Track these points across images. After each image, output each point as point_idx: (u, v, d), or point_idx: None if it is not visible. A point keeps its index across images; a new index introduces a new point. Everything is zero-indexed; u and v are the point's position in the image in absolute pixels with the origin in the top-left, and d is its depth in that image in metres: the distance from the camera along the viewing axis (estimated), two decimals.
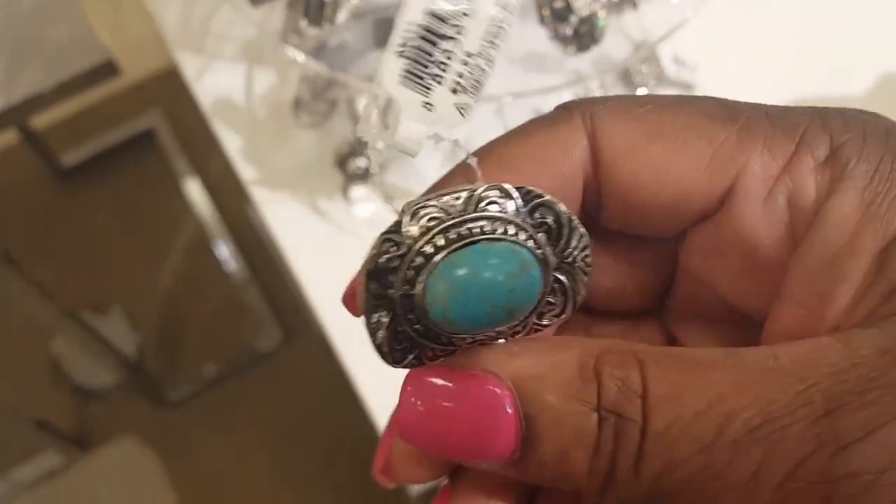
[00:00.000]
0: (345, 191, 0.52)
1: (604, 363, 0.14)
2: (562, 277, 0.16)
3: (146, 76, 1.37)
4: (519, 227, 0.16)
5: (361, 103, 0.52)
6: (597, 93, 0.49)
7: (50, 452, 1.13)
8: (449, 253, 0.15)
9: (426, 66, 0.15)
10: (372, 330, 0.17)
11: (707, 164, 0.15)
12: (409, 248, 0.16)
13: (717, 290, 0.17)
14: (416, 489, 0.57)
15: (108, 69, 0.69)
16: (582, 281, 0.16)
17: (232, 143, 0.56)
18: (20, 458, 1.13)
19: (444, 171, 0.54)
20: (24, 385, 1.18)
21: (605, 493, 0.14)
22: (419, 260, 0.16)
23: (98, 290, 1.25)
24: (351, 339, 0.50)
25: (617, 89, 0.51)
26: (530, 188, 0.16)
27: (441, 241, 0.16)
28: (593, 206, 0.17)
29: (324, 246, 0.53)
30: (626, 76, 0.50)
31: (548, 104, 0.55)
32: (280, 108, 0.57)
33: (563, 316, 0.17)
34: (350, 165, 0.51)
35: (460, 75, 0.16)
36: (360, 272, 0.16)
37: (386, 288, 0.16)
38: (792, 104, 0.16)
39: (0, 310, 1.22)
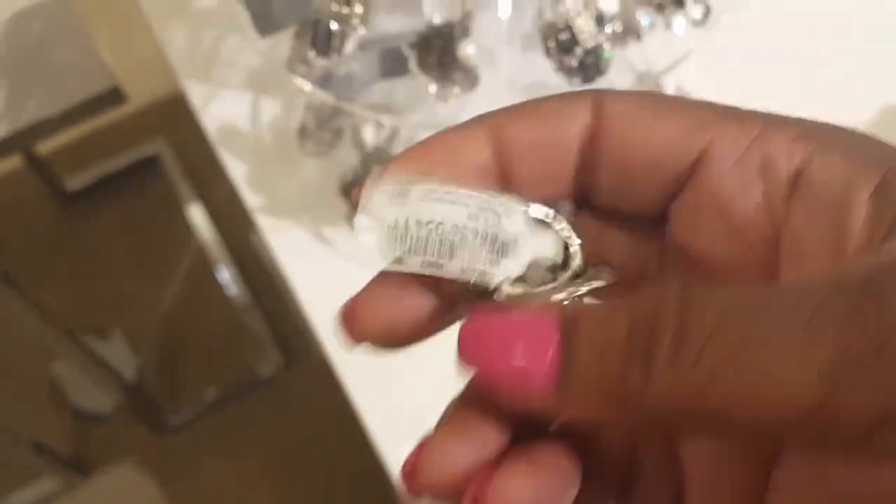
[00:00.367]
0: (349, 219, 0.53)
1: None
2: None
3: (150, 102, 1.38)
4: None
5: (367, 133, 0.53)
6: None
7: (48, 476, 1.12)
8: None
9: None
10: None
11: (685, 131, 0.17)
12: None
13: (702, 262, 0.18)
14: None
15: (114, 96, 0.69)
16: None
17: (237, 170, 0.56)
18: (18, 482, 1.13)
19: None
20: (23, 407, 1.17)
21: (645, 401, 0.14)
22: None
23: (99, 314, 1.24)
24: (353, 366, 0.50)
25: None
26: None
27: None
28: (586, 186, 0.18)
29: (328, 273, 0.53)
30: None
31: None
32: (285, 136, 0.57)
33: None
34: (355, 194, 0.52)
35: None
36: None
37: None
38: None
39: (0, 331, 1.21)
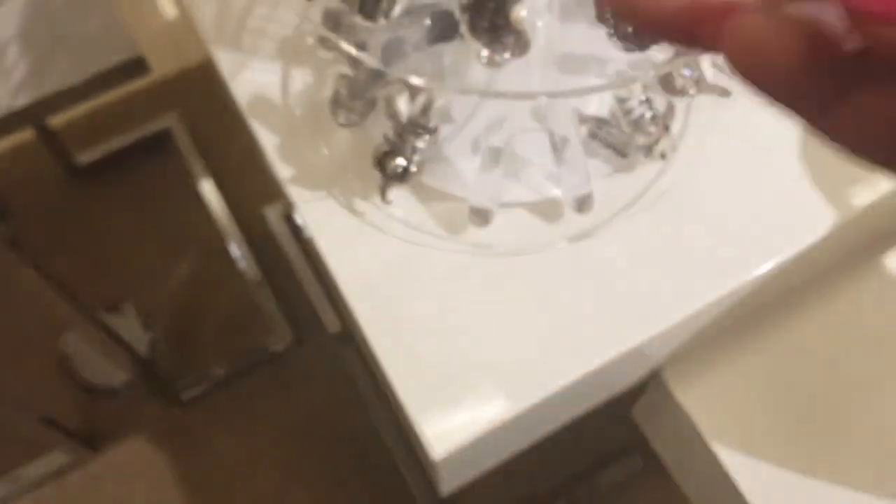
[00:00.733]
0: (382, 191, 0.53)
1: None
2: None
3: (162, 77, 1.37)
4: None
5: (401, 103, 0.52)
6: (638, 96, 0.50)
7: (58, 451, 1.12)
8: None
9: None
10: None
11: None
12: None
13: None
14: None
15: (138, 66, 0.69)
16: None
17: (269, 141, 0.56)
18: (28, 456, 1.13)
19: (482, 174, 0.54)
20: (34, 381, 1.18)
21: None
22: None
23: (110, 288, 1.24)
24: (387, 337, 0.50)
25: (657, 94, 0.51)
26: None
27: None
28: None
29: (360, 245, 0.53)
30: (667, 80, 0.50)
31: (588, 108, 0.56)
32: (317, 107, 0.57)
33: None
34: (388, 165, 0.51)
35: None
36: None
37: None
38: None
39: (11, 304, 1.21)
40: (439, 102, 0.50)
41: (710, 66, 0.55)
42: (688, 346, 0.65)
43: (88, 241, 1.28)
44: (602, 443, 1.15)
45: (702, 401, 0.67)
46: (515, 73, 0.51)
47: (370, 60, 0.41)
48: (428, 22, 0.41)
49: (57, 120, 1.23)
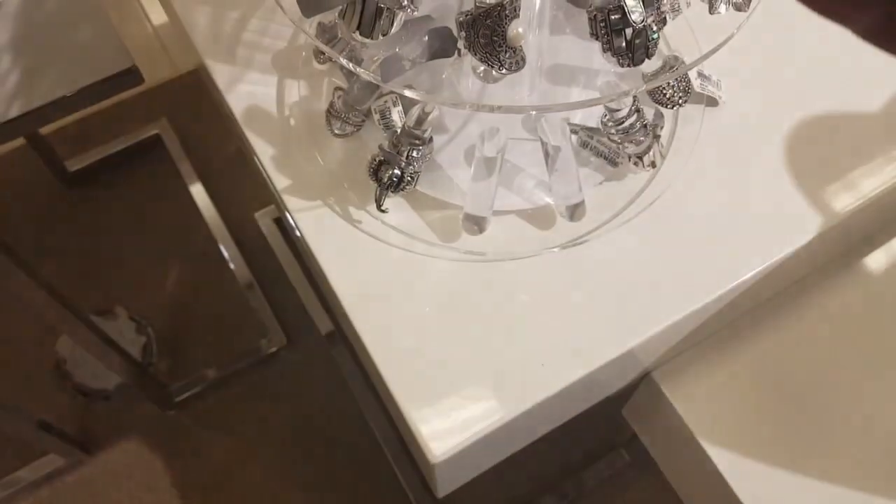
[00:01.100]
0: (378, 199, 0.54)
1: None
2: None
3: (154, 83, 1.37)
4: None
5: (395, 114, 0.53)
6: (628, 106, 0.51)
7: (53, 454, 1.13)
8: None
9: None
10: None
11: None
12: None
13: None
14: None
15: (131, 76, 0.69)
16: None
17: (264, 151, 0.57)
18: (24, 460, 1.13)
19: (475, 183, 0.55)
20: (29, 385, 1.18)
21: None
22: None
23: (103, 293, 1.25)
24: (382, 342, 0.51)
25: (647, 104, 0.53)
26: None
27: None
28: None
29: (357, 253, 0.54)
30: (656, 91, 0.51)
31: (577, 117, 0.57)
32: (312, 118, 0.58)
33: None
34: (383, 175, 0.52)
35: None
36: None
37: None
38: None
39: (4, 309, 1.21)
40: (434, 113, 0.51)
41: (697, 76, 0.56)
42: (678, 347, 0.66)
43: (80, 247, 1.29)
44: (590, 439, 1.16)
45: (692, 400, 0.68)
46: (507, 84, 0.52)
47: (368, 76, 0.42)
48: (426, 38, 0.42)
49: (47, 127, 1.23)
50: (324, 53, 0.58)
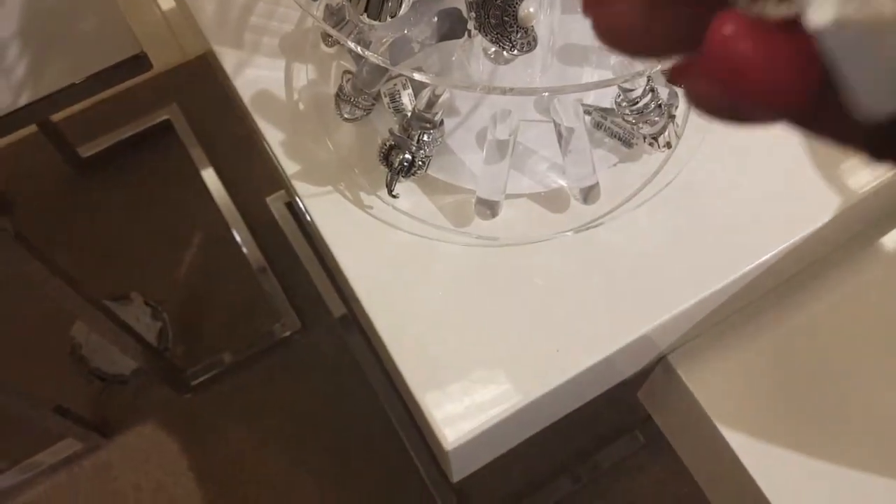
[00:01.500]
0: (389, 184, 0.53)
1: None
2: None
3: (163, 68, 1.37)
4: None
5: (405, 98, 0.53)
6: (642, 86, 0.50)
7: (70, 438, 1.14)
8: None
9: None
10: None
11: None
12: None
13: None
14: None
15: (139, 63, 0.69)
16: None
17: (274, 137, 0.56)
18: (41, 445, 1.14)
19: (487, 166, 0.54)
20: (46, 371, 1.19)
21: None
22: None
23: (117, 278, 1.25)
24: (395, 327, 0.51)
25: (661, 83, 0.52)
26: None
27: None
28: None
29: (368, 239, 0.54)
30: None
31: (590, 97, 0.56)
32: (321, 102, 0.57)
33: None
34: (394, 159, 0.52)
35: None
36: None
37: None
38: None
39: (21, 296, 1.22)
40: (444, 96, 0.50)
41: None
42: (695, 331, 0.66)
43: (93, 233, 1.29)
44: (604, 422, 1.16)
45: (708, 382, 0.68)
46: (519, 65, 0.51)
47: (376, 58, 0.41)
48: (435, 20, 0.41)
49: (58, 114, 1.23)
50: (331, 36, 0.57)
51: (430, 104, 0.50)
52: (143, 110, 1.34)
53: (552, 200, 0.54)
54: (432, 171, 0.54)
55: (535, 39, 0.40)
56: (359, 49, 0.41)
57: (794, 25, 0.13)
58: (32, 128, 1.22)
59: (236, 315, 1.24)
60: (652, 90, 0.50)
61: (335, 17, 0.53)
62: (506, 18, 0.39)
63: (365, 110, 0.55)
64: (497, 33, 0.40)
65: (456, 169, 0.55)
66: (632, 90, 0.49)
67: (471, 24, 0.41)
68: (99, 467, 1.15)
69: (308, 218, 0.55)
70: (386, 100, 0.53)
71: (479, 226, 0.54)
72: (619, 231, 0.53)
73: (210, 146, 1.33)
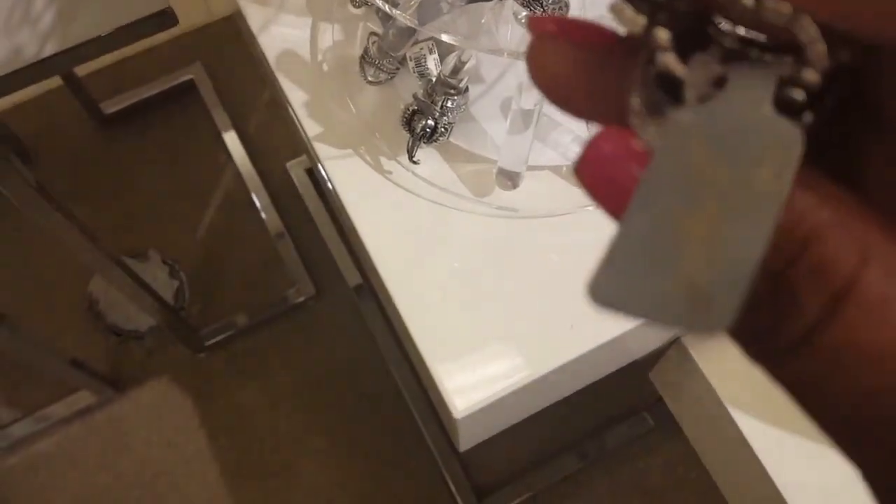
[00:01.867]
0: (410, 150, 0.52)
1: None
2: None
3: (189, 27, 1.36)
4: None
5: (430, 62, 0.52)
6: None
7: (85, 391, 1.15)
8: None
9: None
10: None
11: None
12: None
13: None
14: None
15: (166, 18, 0.68)
16: None
17: (296, 97, 0.56)
18: (56, 396, 1.16)
19: (511, 136, 0.53)
20: (62, 323, 1.20)
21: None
22: None
23: (136, 235, 1.26)
24: (409, 295, 0.51)
25: None
26: None
27: None
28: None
29: (387, 204, 0.53)
30: None
31: None
32: (346, 64, 0.57)
33: None
34: (417, 124, 0.51)
35: None
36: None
37: None
38: None
39: (40, 249, 1.23)
40: (470, 62, 0.49)
41: None
42: None
43: (114, 189, 1.30)
44: (614, 401, 1.16)
45: (722, 365, 0.67)
46: None
47: (404, 17, 0.41)
48: None
49: (83, 69, 1.23)
50: None
51: (456, 70, 0.50)
52: (168, 69, 1.34)
53: None
54: (454, 139, 0.54)
55: (566, 5, 0.39)
56: (387, 8, 0.41)
57: None
58: (58, 82, 1.22)
59: (252, 278, 1.24)
60: None
61: None
62: None
63: (389, 74, 0.55)
64: None
65: (478, 137, 0.54)
66: None
67: None
68: (111, 420, 1.17)
69: (327, 181, 0.55)
70: (411, 64, 0.53)
71: (499, 196, 0.53)
72: None
73: (233, 109, 1.33)
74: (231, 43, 1.35)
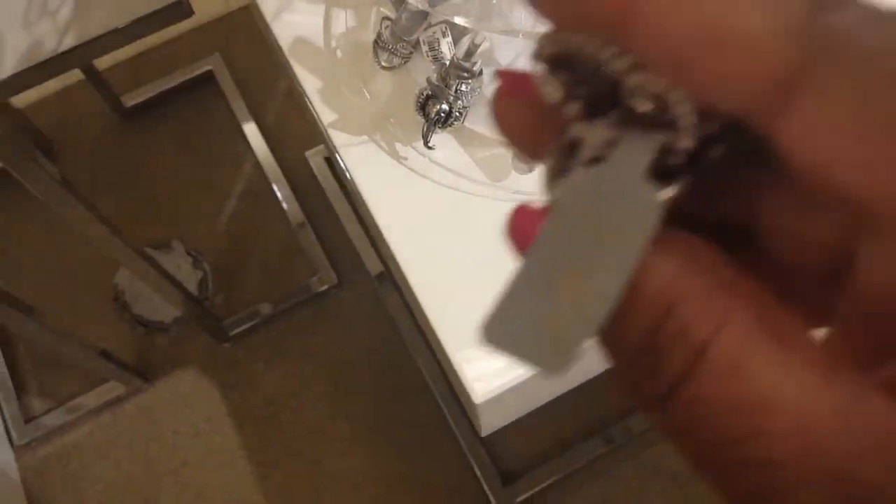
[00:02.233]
0: (425, 135, 0.52)
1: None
2: None
3: (207, 18, 1.37)
4: None
5: (444, 46, 0.51)
6: None
7: (113, 382, 1.17)
8: None
9: None
10: None
11: None
12: None
13: None
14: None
15: (181, 9, 0.68)
16: None
17: (310, 84, 0.56)
18: (86, 387, 1.18)
19: None
20: (91, 316, 1.22)
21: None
22: None
23: (158, 227, 1.27)
24: (428, 281, 0.51)
25: None
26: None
27: None
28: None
29: (402, 190, 0.53)
30: None
31: None
32: (359, 49, 0.56)
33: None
34: (431, 109, 0.51)
35: None
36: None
37: None
38: None
39: (67, 242, 1.25)
40: (484, 45, 0.49)
41: None
42: None
43: (136, 181, 1.31)
44: None
45: None
46: None
47: (418, 2, 0.40)
48: None
49: (103, 63, 1.24)
50: None
51: (470, 53, 0.49)
52: (187, 61, 1.34)
53: None
54: (469, 123, 0.53)
55: None
56: None
57: None
58: (79, 76, 1.23)
59: (274, 268, 1.25)
60: None
61: None
62: None
63: (403, 58, 0.54)
64: None
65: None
66: None
67: None
68: (141, 410, 1.19)
69: (343, 168, 0.55)
70: (424, 48, 0.52)
71: (516, 181, 0.53)
72: None
73: (252, 99, 1.33)
74: (248, 32, 1.36)
